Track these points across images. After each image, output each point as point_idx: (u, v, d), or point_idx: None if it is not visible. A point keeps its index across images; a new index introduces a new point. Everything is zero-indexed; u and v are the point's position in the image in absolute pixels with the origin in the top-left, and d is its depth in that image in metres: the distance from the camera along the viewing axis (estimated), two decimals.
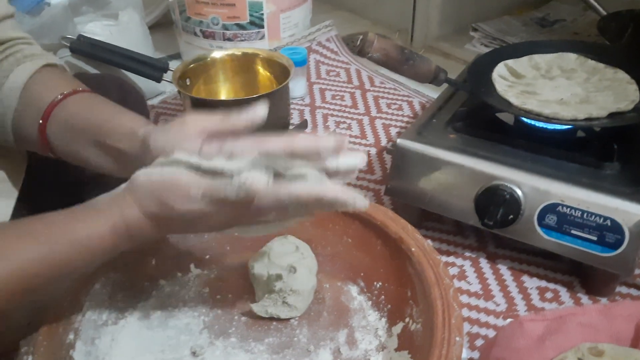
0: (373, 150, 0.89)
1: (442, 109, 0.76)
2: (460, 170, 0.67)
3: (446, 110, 0.76)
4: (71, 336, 0.51)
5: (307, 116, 0.99)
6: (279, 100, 0.87)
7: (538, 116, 0.67)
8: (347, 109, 1.01)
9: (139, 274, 0.60)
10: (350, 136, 0.93)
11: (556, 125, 0.67)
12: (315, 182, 0.45)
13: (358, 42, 0.68)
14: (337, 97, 1.04)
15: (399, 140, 0.70)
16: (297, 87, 1.02)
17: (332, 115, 0.99)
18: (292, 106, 1.01)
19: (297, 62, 0.99)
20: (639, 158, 0.65)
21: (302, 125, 0.98)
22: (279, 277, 0.58)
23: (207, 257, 0.64)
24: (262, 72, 0.94)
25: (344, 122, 0.97)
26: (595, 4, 1.04)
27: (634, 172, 0.63)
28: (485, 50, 1.15)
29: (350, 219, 0.63)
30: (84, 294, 0.54)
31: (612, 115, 0.67)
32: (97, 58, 0.88)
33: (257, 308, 0.58)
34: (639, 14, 1.10)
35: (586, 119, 0.66)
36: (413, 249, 0.56)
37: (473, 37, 1.19)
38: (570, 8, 1.30)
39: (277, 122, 0.91)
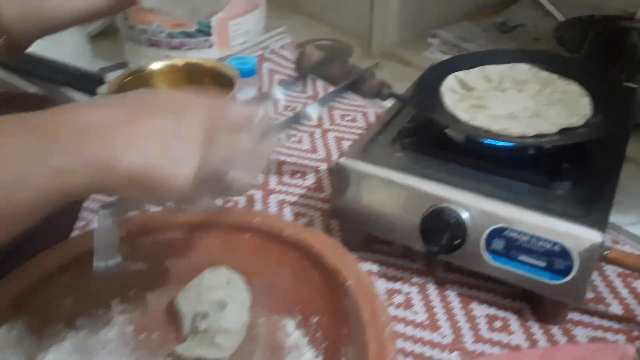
0: (324, 166, 0.85)
1: (389, 124, 0.73)
2: (404, 191, 0.63)
3: (394, 126, 0.72)
4: None
5: None
6: None
7: (486, 133, 0.64)
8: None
9: (52, 314, 0.54)
10: (301, 150, 0.89)
11: (505, 142, 0.63)
12: None
13: (297, 57, 0.64)
14: (289, 108, 1.00)
15: (341, 160, 0.66)
16: (246, 98, 0.98)
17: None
18: None
19: (245, 72, 0.95)
20: (590, 177, 0.62)
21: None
22: (205, 314, 0.54)
23: (133, 291, 0.59)
24: (207, 83, 0.89)
25: (294, 135, 0.93)
26: (553, 9, 1.02)
27: (585, 192, 0.60)
28: (444, 57, 1.12)
29: (287, 247, 0.59)
30: None
31: (563, 131, 0.64)
32: (25, 72, 0.82)
33: (182, 349, 0.54)
34: (601, 20, 1.08)
35: (535, 136, 0.63)
36: (349, 282, 0.52)
37: (432, 44, 1.16)
38: (531, 12, 1.27)
39: None
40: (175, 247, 0.61)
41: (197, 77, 0.89)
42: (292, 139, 0.92)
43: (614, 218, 0.74)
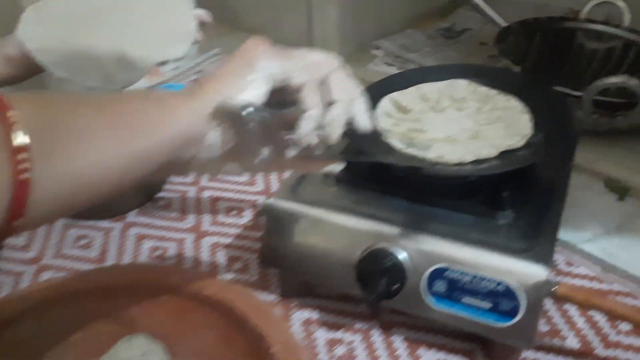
0: (262, 200, 0.80)
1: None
2: (338, 231, 0.58)
3: None
4: None
5: None
6: None
7: (420, 162, 0.59)
8: None
9: None
10: (237, 183, 0.83)
11: (441, 172, 0.59)
12: None
13: None
14: None
15: (269, 200, 0.61)
16: None
17: None
18: None
19: None
20: (534, 202, 0.58)
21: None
22: None
23: None
24: None
25: None
26: (494, 13, 0.98)
27: (529, 221, 0.56)
28: (389, 69, 1.08)
29: (210, 308, 0.53)
30: None
31: (503, 154, 0.59)
32: None
33: None
34: (545, 22, 1.04)
35: (474, 162, 0.58)
36: (274, 349, 0.47)
37: (376, 56, 1.11)
38: (477, 15, 1.23)
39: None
40: (88, 315, 0.55)
41: None
42: None
43: (567, 236, 0.70)
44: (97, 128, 0.36)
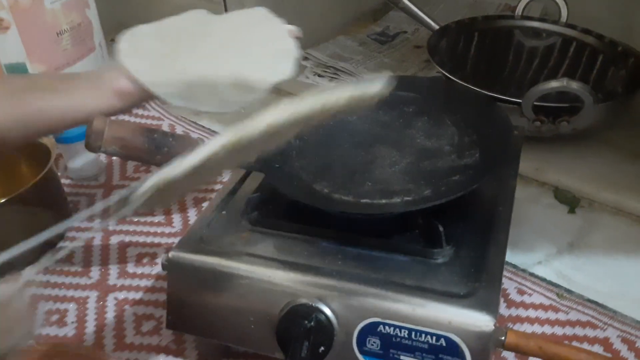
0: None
1: (236, 193, 0.59)
2: (253, 287, 0.49)
3: (241, 195, 0.58)
4: None
5: (99, 201, 0.78)
6: (44, 191, 0.67)
7: (330, 200, 0.51)
8: None
9: None
10: (151, 224, 0.73)
11: (357, 210, 0.51)
12: None
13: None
14: (142, 168, 0.84)
15: (171, 254, 0.52)
16: (85, 165, 0.81)
17: None
18: (79, 190, 0.80)
19: (76, 135, 0.78)
20: (475, 233, 0.51)
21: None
22: None
23: None
24: (15, 157, 0.74)
25: None
26: (424, 16, 0.90)
27: (470, 257, 0.49)
28: (319, 81, 1.00)
29: None
30: None
31: (435, 181, 0.52)
32: None
33: None
34: (481, 22, 0.98)
35: (402, 193, 0.51)
36: None
37: (305, 67, 1.03)
38: (411, 18, 1.17)
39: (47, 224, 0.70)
40: None
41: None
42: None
43: (517, 259, 0.63)
44: None
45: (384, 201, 0.51)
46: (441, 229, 0.48)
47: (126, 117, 0.92)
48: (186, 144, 0.52)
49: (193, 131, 0.90)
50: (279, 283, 0.48)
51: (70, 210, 0.75)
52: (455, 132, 0.59)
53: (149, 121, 0.94)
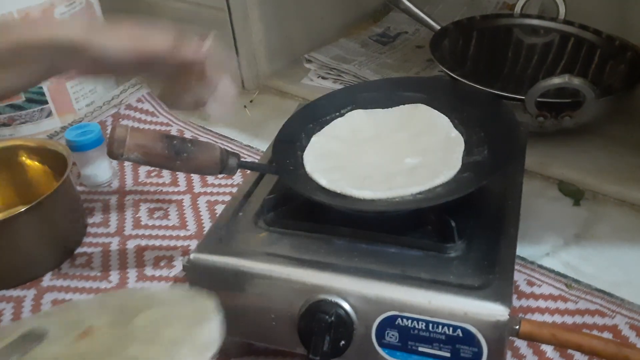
0: (195, 244, 0.72)
1: (251, 195, 0.60)
2: (273, 285, 0.51)
3: (257, 197, 0.60)
4: None
5: (113, 206, 0.80)
6: (61, 199, 0.69)
7: (344, 199, 0.53)
8: (166, 188, 0.82)
9: None
10: (166, 227, 0.75)
11: (370, 208, 0.53)
12: None
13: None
14: (154, 174, 0.85)
15: (192, 255, 0.53)
16: (98, 171, 0.83)
17: (145, 200, 0.80)
18: (94, 196, 0.82)
19: (89, 143, 0.80)
20: (486, 227, 0.53)
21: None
22: None
23: None
24: (33, 165, 0.75)
25: (160, 209, 0.78)
26: (425, 16, 0.92)
27: (482, 251, 0.50)
28: (324, 83, 1.02)
29: None
30: None
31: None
32: None
33: None
34: (480, 21, 0.99)
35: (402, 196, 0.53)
36: None
37: (309, 70, 1.04)
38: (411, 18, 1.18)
39: (65, 231, 0.72)
40: None
41: (18, 160, 0.75)
42: (156, 214, 0.77)
43: (525, 251, 0.65)
44: None
45: (397, 199, 0.53)
46: (453, 224, 0.50)
47: (134, 123, 0.94)
48: (205, 149, 0.53)
49: (202, 136, 0.92)
50: (298, 280, 0.50)
51: (86, 217, 0.77)
52: (463, 130, 0.61)
53: (157, 127, 0.95)
